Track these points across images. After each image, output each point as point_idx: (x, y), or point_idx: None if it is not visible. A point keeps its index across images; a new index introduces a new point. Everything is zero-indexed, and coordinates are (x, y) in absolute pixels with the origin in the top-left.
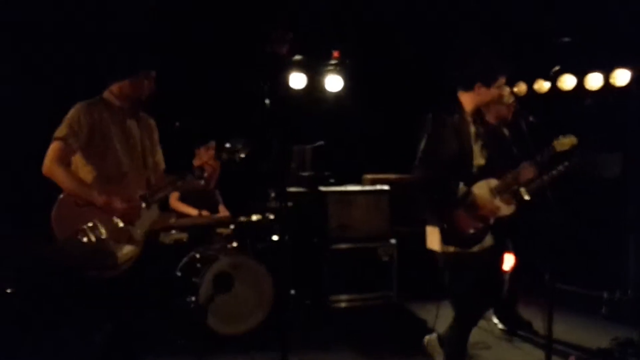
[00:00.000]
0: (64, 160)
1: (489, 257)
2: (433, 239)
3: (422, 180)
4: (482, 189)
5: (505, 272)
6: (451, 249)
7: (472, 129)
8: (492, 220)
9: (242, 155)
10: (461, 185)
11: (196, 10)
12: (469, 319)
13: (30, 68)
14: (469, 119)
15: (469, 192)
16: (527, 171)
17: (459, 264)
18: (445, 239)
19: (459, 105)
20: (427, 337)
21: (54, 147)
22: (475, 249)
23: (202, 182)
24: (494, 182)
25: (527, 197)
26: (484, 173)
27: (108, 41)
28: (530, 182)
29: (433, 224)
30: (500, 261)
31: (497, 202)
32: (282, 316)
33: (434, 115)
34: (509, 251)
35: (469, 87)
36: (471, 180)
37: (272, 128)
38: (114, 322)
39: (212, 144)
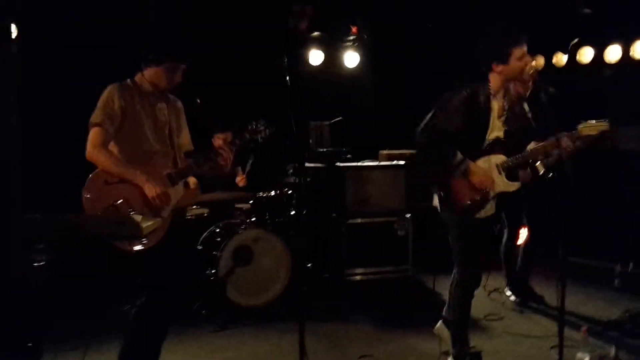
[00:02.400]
0: (105, 144)
1: (486, 224)
2: (437, 200)
3: (421, 145)
4: (486, 162)
5: (519, 245)
6: (452, 212)
7: (497, 104)
8: (491, 195)
9: (264, 136)
10: (458, 153)
11: None
12: (469, 278)
13: (68, 48)
14: (495, 94)
15: (463, 160)
16: (566, 141)
17: (458, 226)
18: (443, 206)
19: (486, 81)
20: (436, 326)
21: (94, 133)
22: (478, 215)
23: (217, 165)
24: (501, 157)
25: (542, 171)
26: (497, 147)
27: (144, 27)
28: (557, 155)
29: (434, 191)
30: (493, 228)
31: (496, 176)
32: (300, 288)
33: (452, 87)
34: (523, 225)
35: (488, 68)
36: (479, 154)
37: (291, 104)
38: (146, 294)
39: (228, 134)
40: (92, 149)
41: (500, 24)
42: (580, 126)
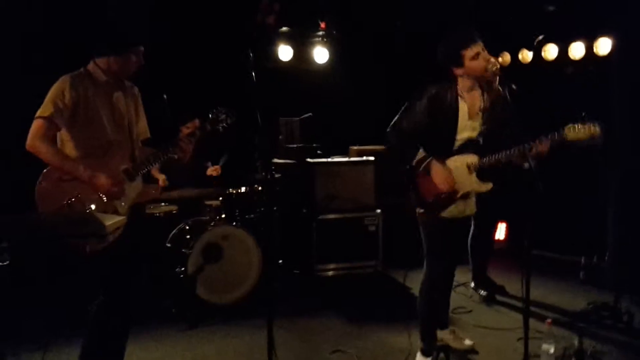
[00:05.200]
0: (48, 136)
1: (460, 224)
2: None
3: (390, 144)
4: (456, 162)
5: (497, 240)
6: (420, 210)
7: (466, 105)
8: (459, 194)
9: (225, 125)
10: (420, 150)
11: None
12: (435, 275)
13: (16, 40)
14: (466, 94)
15: (425, 157)
16: (544, 145)
17: (426, 224)
18: (413, 202)
19: (453, 79)
20: (439, 336)
21: (37, 125)
22: (444, 214)
23: (175, 157)
24: (474, 157)
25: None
26: (468, 147)
27: (95, 14)
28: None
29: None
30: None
31: (465, 176)
32: (270, 285)
33: (418, 87)
34: (500, 220)
35: (451, 73)
36: (450, 154)
37: (259, 100)
38: (102, 294)
39: (196, 122)
40: (31, 140)
41: (450, 30)
42: (566, 128)
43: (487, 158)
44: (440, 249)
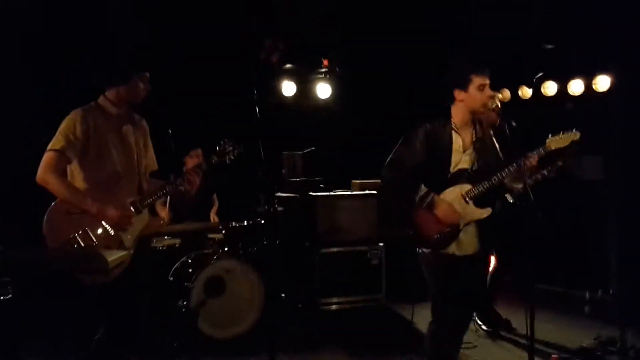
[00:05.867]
0: (58, 170)
1: (468, 264)
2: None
3: (386, 181)
4: (451, 193)
5: (489, 272)
6: (423, 250)
7: (461, 139)
8: (461, 225)
9: (232, 157)
10: (422, 186)
11: (189, 16)
12: (444, 322)
13: (25, 76)
14: (459, 128)
15: (427, 193)
16: (533, 159)
17: (431, 264)
18: (415, 242)
19: (448, 116)
20: None
21: (48, 157)
22: (448, 251)
23: (182, 189)
24: (467, 187)
25: (511, 201)
26: (461, 178)
27: (99, 47)
28: (531, 174)
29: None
30: (482, 269)
31: (463, 206)
32: (273, 319)
33: (414, 124)
34: (491, 252)
35: (451, 98)
36: (444, 186)
37: (263, 135)
38: (106, 326)
39: (198, 151)
40: (43, 173)
41: (463, 53)
42: (548, 140)
43: (481, 184)
44: (448, 290)
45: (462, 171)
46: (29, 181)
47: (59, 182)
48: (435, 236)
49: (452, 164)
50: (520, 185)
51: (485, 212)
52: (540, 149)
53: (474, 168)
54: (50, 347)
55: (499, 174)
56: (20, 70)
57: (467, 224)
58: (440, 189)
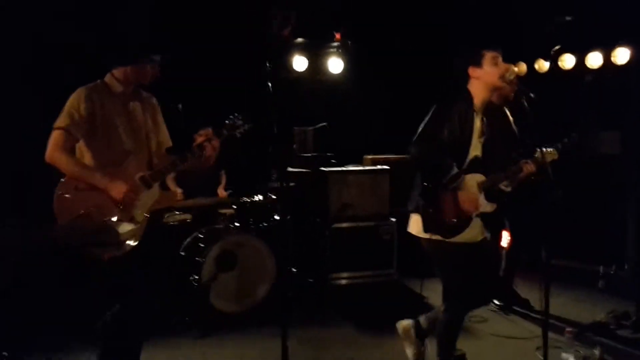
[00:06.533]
0: (66, 148)
1: (479, 251)
2: (414, 225)
3: (418, 155)
4: (471, 179)
5: (502, 249)
6: (431, 236)
7: (478, 122)
8: (474, 214)
9: (242, 131)
10: (454, 166)
11: None
12: (458, 306)
13: (33, 52)
14: (477, 111)
15: (458, 174)
16: (529, 166)
17: (440, 251)
18: (426, 226)
19: (469, 95)
20: (402, 323)
21: (55, 136)
22: (457, 239)
23: (202, 159)
24: (480, 177)
25: (509, 189)
26: (476, 166)
27: (111, 25)
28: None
29: (417, 210)
30: (491, 256)
31: (481, 197)
32: (284, 294)
33: (443, 97)
34: (505, 228)
35: (467, 76)
36: (461, 172)
37: (274, 110)
38: (119, 301)
39: (209, 130)
40: (51, 151)
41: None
42: (545, 151)
43: (490, 179)
44: (455, 275)
45: (477, 159)
46: (38, 161)
47: (67, 159)
48: (453, 219)
49: (470, 149)
50: (509, 188)
51: (491, 207)
52: (538, 158)
53: (483, 156)
54: (61, 325)
55: (501, 174)
56: (30, 46)
57: (477, 215)
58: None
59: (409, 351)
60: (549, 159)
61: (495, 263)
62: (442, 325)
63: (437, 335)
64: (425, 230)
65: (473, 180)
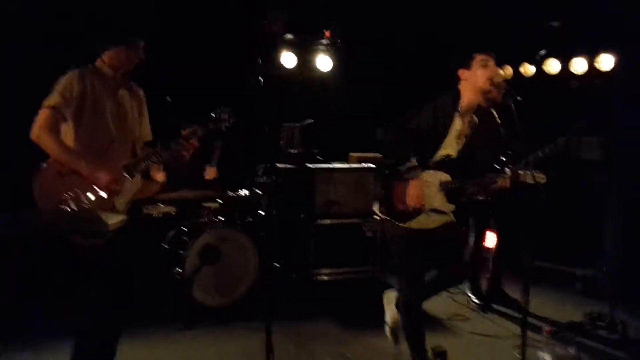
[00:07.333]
0: (54, 128)
1: (432, 238)
2: (375, 205)
3: (382, 139)
4: (432, 176)
5: (488, 249)
6: (386, 217)
7: (459, 123)
8: (426, 207)
9: (228, 125)
10: (414, 159)
11: None
12: (407, 298)
13: (22, 35)
14: (462, 112)
15: (416, 167)
16: (504, 182)
17: (392, 233)
18: (381, 208)
19: (457, 95)
20: (388, 292)
21: (43, 115)
22: (410, 224)
23: (177, 154)
24: (445, 176)
25: (481, 198)
26: (445, 165)
27: (98, 9)
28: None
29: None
30: (449, 241)
31: (434, 193)
32: (267, 288)
33: (432, 93)
34: (490, 229)
35: (457, 78)
36: (426, 167)
37: (263, 105)
38: (99, 292)
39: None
40: (38, 129)
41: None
42: (521, 172)
43: (457, 181)
44: (408, 262)
45: (448, 158)
46: (20, 143)
47: (53, 140)
48: (400, 207)
49: (442, 147)
50: (481, 198)
51: (449, 207)
52: (512, 173)
53: (457, 157)
54: (41, 313)
55: (473, 182)
56: (19, 29)
57: (433, 210)
58: (423, 167)
59: (388, 317)
60: (540, 181)
61: (453, 251)
62: (403, 322)
63: (404, 335)
64: (381, 212)
65: (435, 177)
